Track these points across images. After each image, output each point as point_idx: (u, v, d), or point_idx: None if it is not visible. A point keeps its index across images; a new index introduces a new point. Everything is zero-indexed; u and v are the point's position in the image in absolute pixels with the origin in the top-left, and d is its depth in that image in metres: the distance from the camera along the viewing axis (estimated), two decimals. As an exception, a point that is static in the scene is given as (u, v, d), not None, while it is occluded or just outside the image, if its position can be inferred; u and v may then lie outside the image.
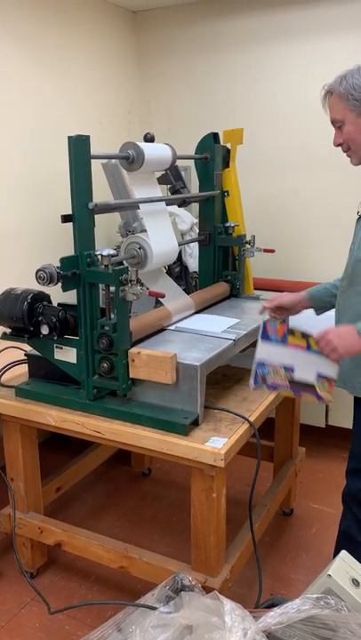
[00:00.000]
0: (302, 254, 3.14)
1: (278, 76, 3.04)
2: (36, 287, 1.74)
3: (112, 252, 1.67)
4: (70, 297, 1.76)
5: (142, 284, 1.78)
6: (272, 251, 2.43)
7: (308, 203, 3.09)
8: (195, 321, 2.06)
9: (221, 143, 2.37)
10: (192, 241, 2.60)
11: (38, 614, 1.98)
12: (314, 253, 3.12)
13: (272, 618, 1.21)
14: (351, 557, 1.44)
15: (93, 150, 1.66)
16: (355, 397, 1.79)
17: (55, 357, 1.81)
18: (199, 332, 1.92)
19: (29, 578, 2.07)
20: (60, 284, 1.64)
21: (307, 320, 1.99)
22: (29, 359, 1.96)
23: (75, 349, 1.76)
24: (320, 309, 1.92)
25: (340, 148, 1.70)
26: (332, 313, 1.88)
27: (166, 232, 2.00)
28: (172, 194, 2.41)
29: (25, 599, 2.04)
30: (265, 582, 2.06)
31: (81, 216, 1.65)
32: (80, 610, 1.99)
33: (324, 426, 2.99)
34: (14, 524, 2.01)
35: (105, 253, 1.65)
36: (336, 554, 1.47)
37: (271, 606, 1.31)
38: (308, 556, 2.26)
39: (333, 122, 1.67)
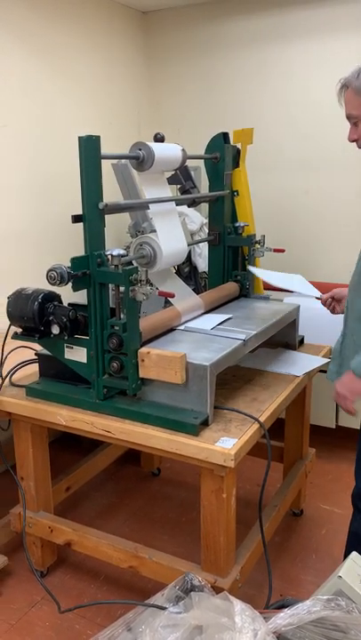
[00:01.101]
0: (313, 254, 3.13)
1: (288, 76, 3.03)
2: (47, 287, 1.75)
3: (122, 252, 1.67)
4: (80, 297, 1.76)
5: (152, 284, 1.78)
6: (282, 250, 2.43)
7: (319, 202, 3.07)
8: (203, 320, 2.05)
9: (231, 143, 2.37)
10: (201, 241, 2.59)
11: (48, 613, 1.98)
12: (324, 253, 3.11)
13: (282, 619, 1.20)
14: (362, 559, 1.43)
15: (104, 150, 1.67)
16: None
17: (65, 357, 1.81)
18: (194, 330, 1.92)
19: (39, 577, 2.07)
20: (70, 284, 1.65)
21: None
22: (40, 359, 1.96)
23: (85, 349, 1.76)
24: None
25: (353, 145, 1.68)
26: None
27: (176, 232, 1.99)
28: (182, 194, 2.41)
29: (35, 598, 2.05)
30: (275, 583, 2.05)
31: (91, 216, 1.66)
32: (90, 609, 1.99)
33: (334, 427, 2.97)
34: (24, 523, 2.01)
35: (115, 253, 1.66)
36: (346, 555, 1.46)
37: (281, 607, 1.30)
38: (318, 557, 2.25)
39: (349, 117, 1.63)
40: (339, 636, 1.19)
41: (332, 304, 2.03)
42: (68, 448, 2.84)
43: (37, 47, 2.69)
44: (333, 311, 2.03)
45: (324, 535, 2.38)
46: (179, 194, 2.42)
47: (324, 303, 2.05)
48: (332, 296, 2.02)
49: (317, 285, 3.01)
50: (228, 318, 2.05)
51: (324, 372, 2.25)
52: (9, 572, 2.16)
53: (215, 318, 2.06)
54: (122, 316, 1.70)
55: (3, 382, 1.96)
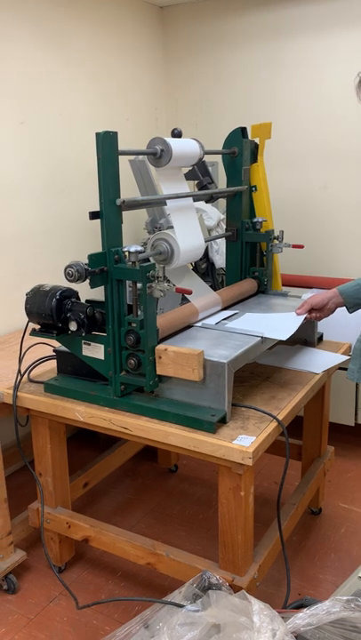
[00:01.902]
0: (331, 250, 3.10)
1: (307, 69, 3.00)
2: (65, 284, 1.75)
3: (139, 248, 1.67)
4: (98, 294, 1.76)
5: (169, 281, 1.77)
6: (301, 246, 2.40)
7: (337, 197, 3.04)
8: (221, 318, 2.04)
9: (249, 138, 2.35)
10: (219, 237, 2.58)
11: (66, 608, 2.00)
12: (343, 249, 3.07)
13: (301, 619, 1.19)
14: (382, 559, 1.41)
15: (121, 146, 1.66)
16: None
17: (83, 354, 1.82)
18: (212, 327, 1.92)
19: (57, 572, 2.09)
20: (88, 281, 1.65)
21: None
22: (58, 355, 1.97)
23: (102, 346, 1.77)
24: (353, 307, 1.89)
25: None
26: None
27: (193, 228, 1.99)
28: (200, 189, 2.40)
29: (53, 593, 2.07)
30: (293, 582, 2.04)
31: (109, 212, 1.66)
32: (107, 605, 2.00)
33: (353, 424, 2.94)
34: (43, 519, 2.03)
35: (132, 250, 1.65)
36: (367, 555, 1.45)
37: (300, 607, 1.29)
38: (336, 557, 2.23)
39: None
40: (359, 638, 1.18)
41: (314, 314, 1.96)
42: (85, 444, 2.85)
43: (54, 43, 2.69)
44: (319, 319, 1.98)
45: (343, 534, 2.36)
46: (196, 189, 2.41)
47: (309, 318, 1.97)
48: (311, 307, 1.94)
49: (337, 282, 2.99)
50: (235, 313, 2.05)
51: (344, 369, 2.23)
52: (27, 567, 2.18)
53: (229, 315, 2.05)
54: (139, 312, 1.69)
55: (21, 379, 1.97)
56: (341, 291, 1.89)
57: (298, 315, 1.96)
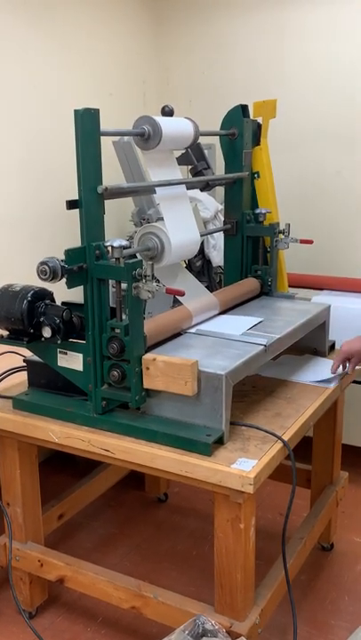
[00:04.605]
0: (346, 246, 3.12)
1: (316, 39, 3.02)
2: (38, 283, 1.76)
3: (124, 243, 1.68)
4: (76, 295, 1.77)
5: (158, 281, 1.78)
6: (310, 241, 2.42)
7: (354, 185, 3.06)
8: (219, 323, 2.06)
9: (251, 117, 2.37)
10: (216, 230, 2.60)
11: (37, 660, 1.99)
12: (359, 244, 3.10)
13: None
14: None
15: (103, 126, 1.68)
16: None
17: (58, 364, 1.82)
18: (216, 335, 1.92)
19: (27, 618, 2.08)
20: (64, 280, 1.66)
21: None
22: (29, 366, 1.97)
23: (81, 355, 1.77)
24: None
25: None
26: None
27: (186, 220, 2.00)
28: (194, 176, 2.41)
29: (22, 642, 2.06)
30: (300, 629, 2.04)
31: (89, 201, 1.67)
32: (85, 656, 2.00)
33: (370, 447, 2.96)
34: (10, 556, 2.02)
35: (116, 245, 1.66)
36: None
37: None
38: (351, 599, 2.24)
39: None
40: None
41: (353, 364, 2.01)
42: (61, 469, 2.85)
43: (27, 8, 2.70)
44: None
45: (359, 573, 2.37)
46: (190, 176, 2.43)
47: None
48: (346, 357, 2.00)
49: (351, 283, 3.02)
50: (259, 322, 2.05)
51: (359, 383, 2.25)
52: (-8, 612, 2.18)
53: (234, 320, 2.06)
54: (123, 316, 1.70)
55: (-14, 393, 1.97)
56: None
57: (333, 372, 2.00)
